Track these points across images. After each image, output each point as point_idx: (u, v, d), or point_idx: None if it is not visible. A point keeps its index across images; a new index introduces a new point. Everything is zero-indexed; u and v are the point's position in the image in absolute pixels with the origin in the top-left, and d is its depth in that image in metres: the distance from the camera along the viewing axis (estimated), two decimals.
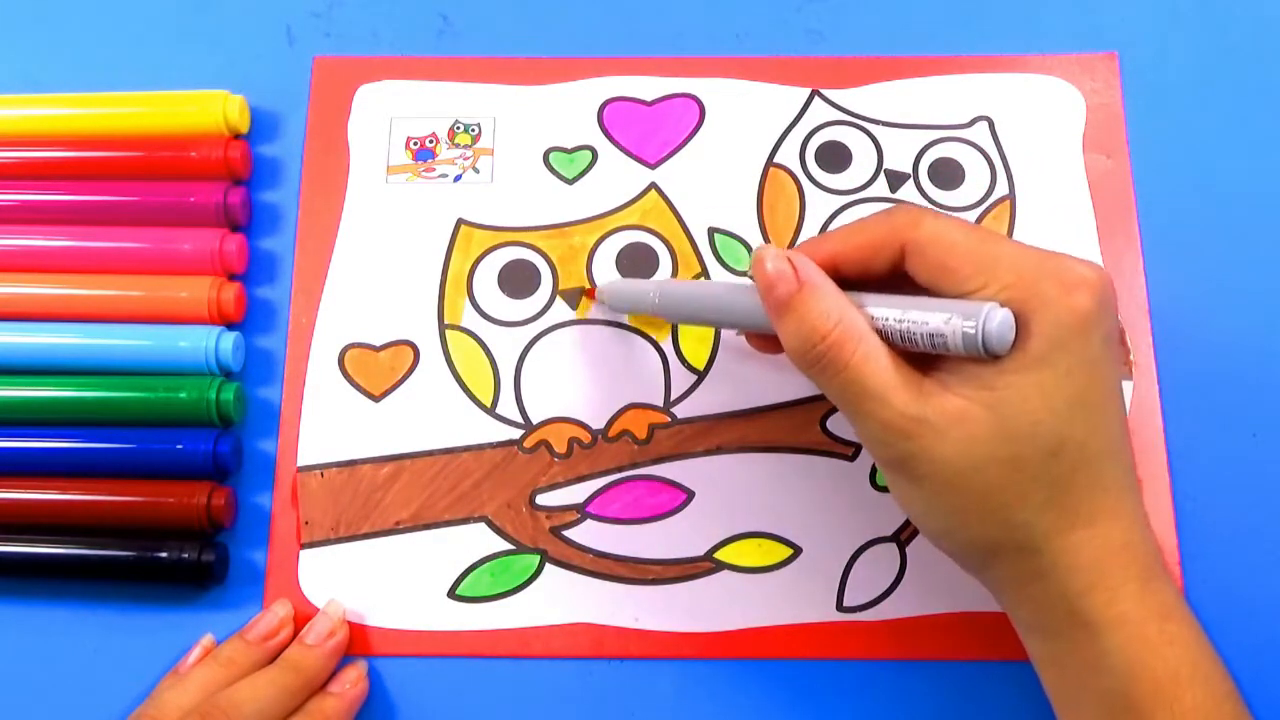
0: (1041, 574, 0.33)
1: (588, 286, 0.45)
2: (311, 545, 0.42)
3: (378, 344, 0.45)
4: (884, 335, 0.33)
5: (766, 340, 0.40)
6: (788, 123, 0.47)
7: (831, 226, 0.46)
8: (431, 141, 0.47)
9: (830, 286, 0.33)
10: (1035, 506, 0.32)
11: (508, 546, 0.42)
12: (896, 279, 0.34)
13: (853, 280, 0.35)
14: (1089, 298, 0.31)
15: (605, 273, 0.45)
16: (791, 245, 0.45)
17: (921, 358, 0.33)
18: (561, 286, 0.45)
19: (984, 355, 0.31)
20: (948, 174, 0.46)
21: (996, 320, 0.31)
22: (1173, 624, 0.33)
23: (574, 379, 0.44)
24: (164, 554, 0.41)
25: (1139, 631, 0.32)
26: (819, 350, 0.33)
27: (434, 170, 0.47)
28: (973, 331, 0.31)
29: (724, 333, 0.44)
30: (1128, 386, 0.43)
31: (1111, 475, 0.33)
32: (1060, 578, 0.32)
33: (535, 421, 0.44)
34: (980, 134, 0.47)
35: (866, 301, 0.33)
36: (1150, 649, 0.32)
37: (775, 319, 0.34)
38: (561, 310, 0.45)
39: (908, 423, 0.32)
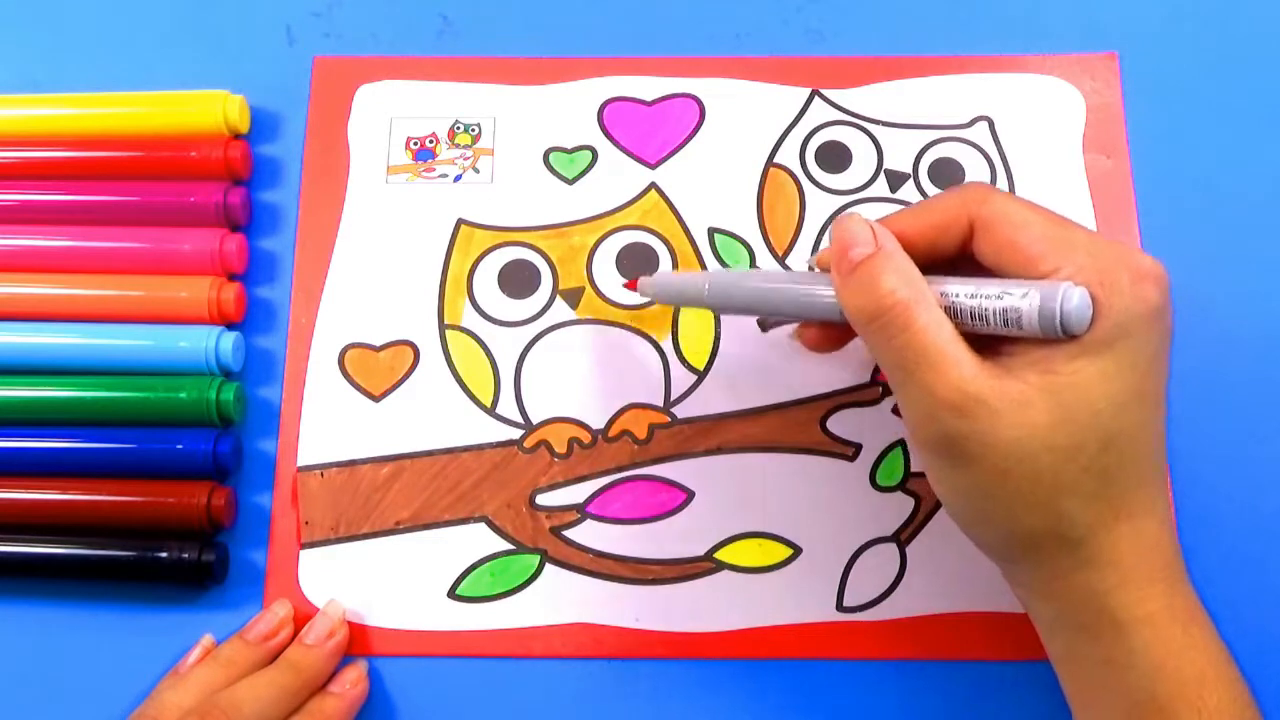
0: (1077, 567, 0.32)
1: (626, 280, 0.44)
2: (311, 545, 0.42)
3: (378, 344, 0.45)
4: (953, 314, 0.32)
5: (819, 333, 0.39)
6: (788, 123, 0.47)
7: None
8: (431, 141, 0.47)
9: (904, 256, 0.33)
10: (1083, 497, 0.31)
11: (508, 546, 0.42)
12: (961, 264, 0.34)
13: (922, 260, 0.34)
14: (1157, 290, 0.31)
15: (605, 273, 0.45)
16: (791, 247, 0.45)
17: (982, 344, 0.32)
18: (562, 286, 0.45)
19: (1060, 334, 0.30)
20: (948, 174, 0.46)
21: (1075, 299, 0.30)
22: (1196, 627, 0.33)
23: (574, 379, 0.44)
24: (164, 554, 0.41)
25: (1165, 633, 0.32)
26: (885, 304, 0.32)
27: (434, 170, 0.47)
28: (1051, 310, 0.30)
29: (762, 333, 0.44)
30: None
31: (1153, 470, 0.33)
32: (1095, 572, 0.32)
33: (535, 421, 0.44)
34: (980, 134, 0.47)
35: (936, 280, 0.33)
36: (1176, 650, 0.32)
37: (842, 280, 0.33)
38: (561, 310, 0.45)
39: (964, 399, 0.31)
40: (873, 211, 0.46)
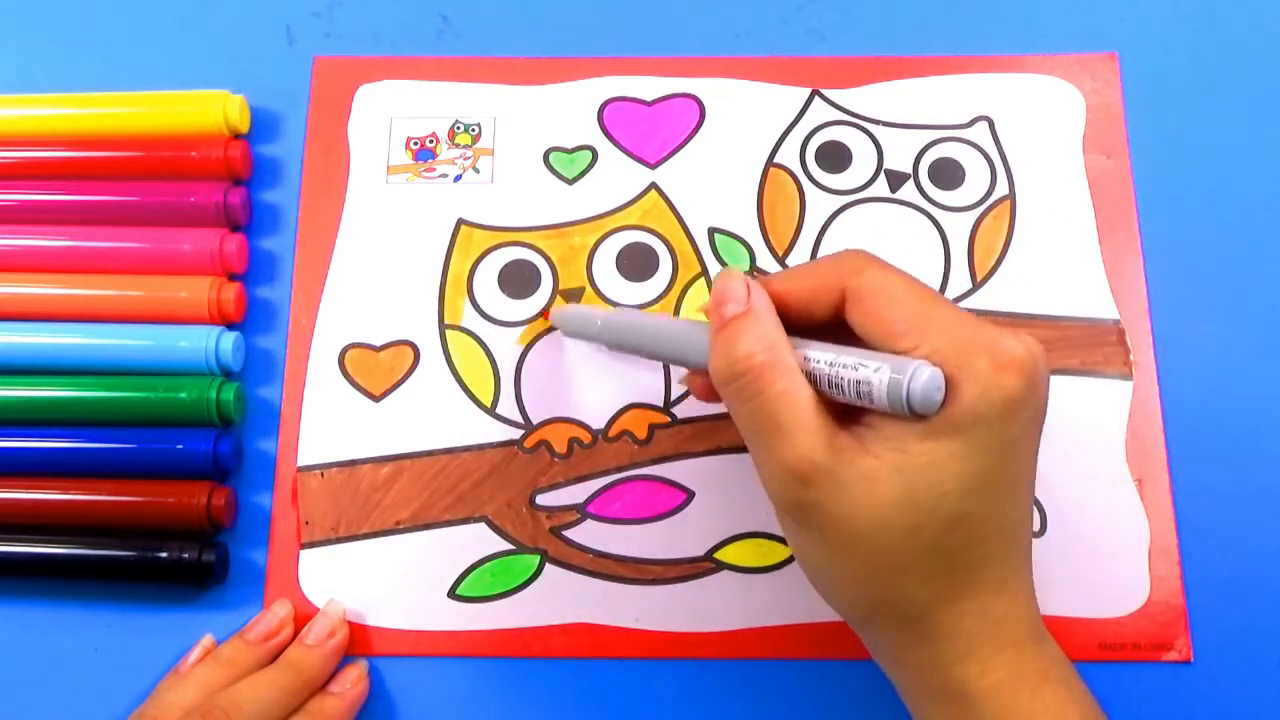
0: (920, 641, 0.33)
1: (545, 310, 0.44)
2: (311, 545, 0.42)
3: (378, 344, 0.45)
4: (814, 379, 0.32)
5: (706, 384, 0.38)
6: (788, 123, 0.47)
7: (832, 227, 0.46)
8: (432, 141, 0.47)
9: (772, 318, 0.33)
10: (924, 576, 0.32)
11: (508, 546, 0.42)
12: (840, 330, 0.34)
13: (797, 324, 0.34)
14: (1019, 380, 0.30)
15: (605, 273, 0.45)
16: (791, 247, 0.45)
17: (845, 414, 0.32)
18: (562, 286, 0.45)
19: (907, 413, 0.30)
20: (948, 174, 0.46)
21: (924, 379, 0.30)
22: (1047, 689, 0.32)
23: (574, 379, 0.44)
24: (164, 554, 0.41)
25: (1011, 700, 0.32)
26: (740, 368, 0.32)
27: (434, 170, 0.47)
28: (899, 387, 0.30)
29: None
30: (1128, 386, 0.43)
31: (1003, 552, 0.32)
32: (937, 646, 0.32)
33: (535, 421, 0.44)
34: (980, 134, 0.47)
35: (802, 344, 0.33)
36: (1023, 715, 0.32)
37: (714, 340, 0.33)
38: None
39: (811, 469, 0.31)
40: (873, 212, 0.46)
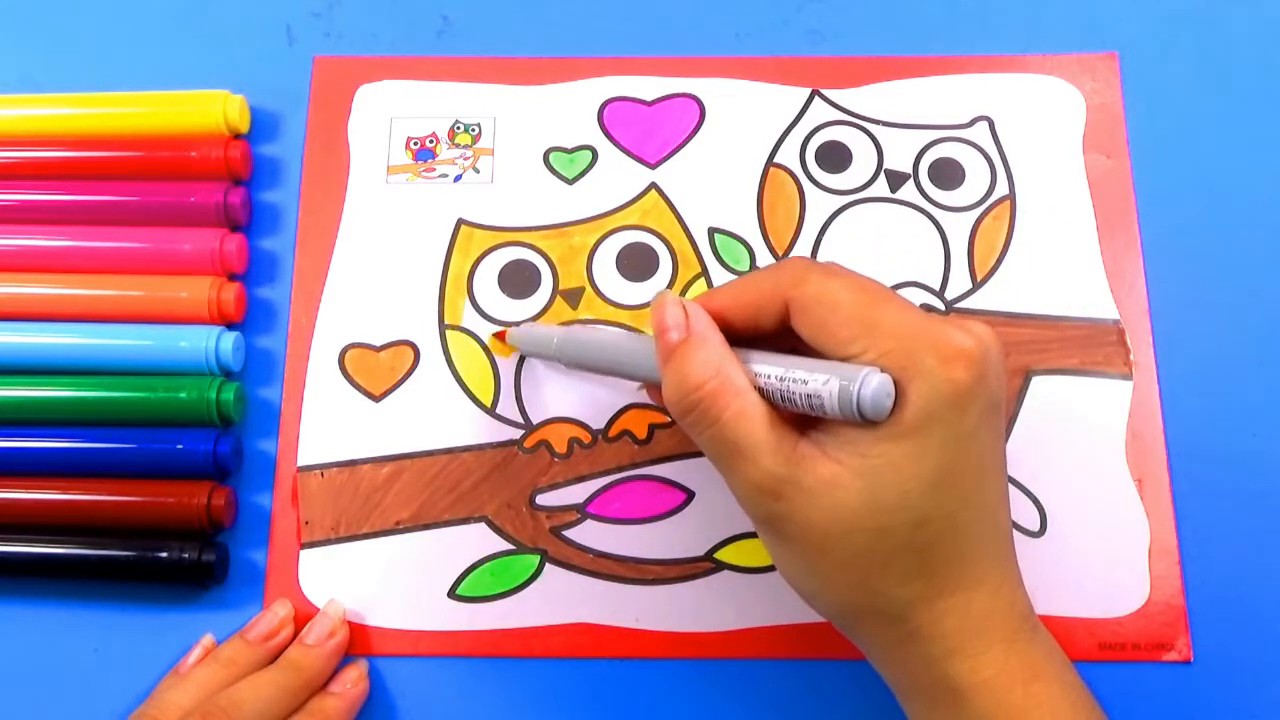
0: (905, 640, 0.33)
1: (497, 331, 0.44)
2: (311, 545, 0.42)
3: (378, 344, 0.45)
4: (765, 394, 0.32)
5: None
6: (788, 123, 0.47)
7: (832, 227, 0.46)
8: (432, 141, 0.47)
9: (716, 339, 0.33)
10: (899, 575, 0.32)
11: (508, 546, 0.42)
12: (790, 335, 0.34)
13: (744, 334, 0.34)
14: (966, 371, 0.30)
15: (605, 273, 0.45)
16: (791, 247, 0.45)
17: (804, 419, 0.33)
18: (562, 286, 0.45)
19: (859, 420, 0.30)
20: (948, 174, 0.46)
21: (872, 386, 0.30)
22: (1039, 684, 0.32)
23: (574, 379, 0.44)
24: (164, 554, 0.41)
25: (1004, 697, 0.32)
26: (693, 400, 0.32)
27: (434, 170, 0.47)
28: (849, 397, 0.30)
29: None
30: (1128, 386, 0.43)
31: (978, 545, 0.32)
32: (924, 644, 0.32)
33: (535, 421, 0.44)
34: (980, 134, 0.47)
35: (751, 359, 0.33)
36: (1015, 712, 0.32)
37: (662, 368, 0.34)
38: (561, 310, 0.45)
39: (776, 483, 0.31)
40: (873, 211, 0.46)
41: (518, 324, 0.44)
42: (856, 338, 0.31)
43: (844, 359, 0.31)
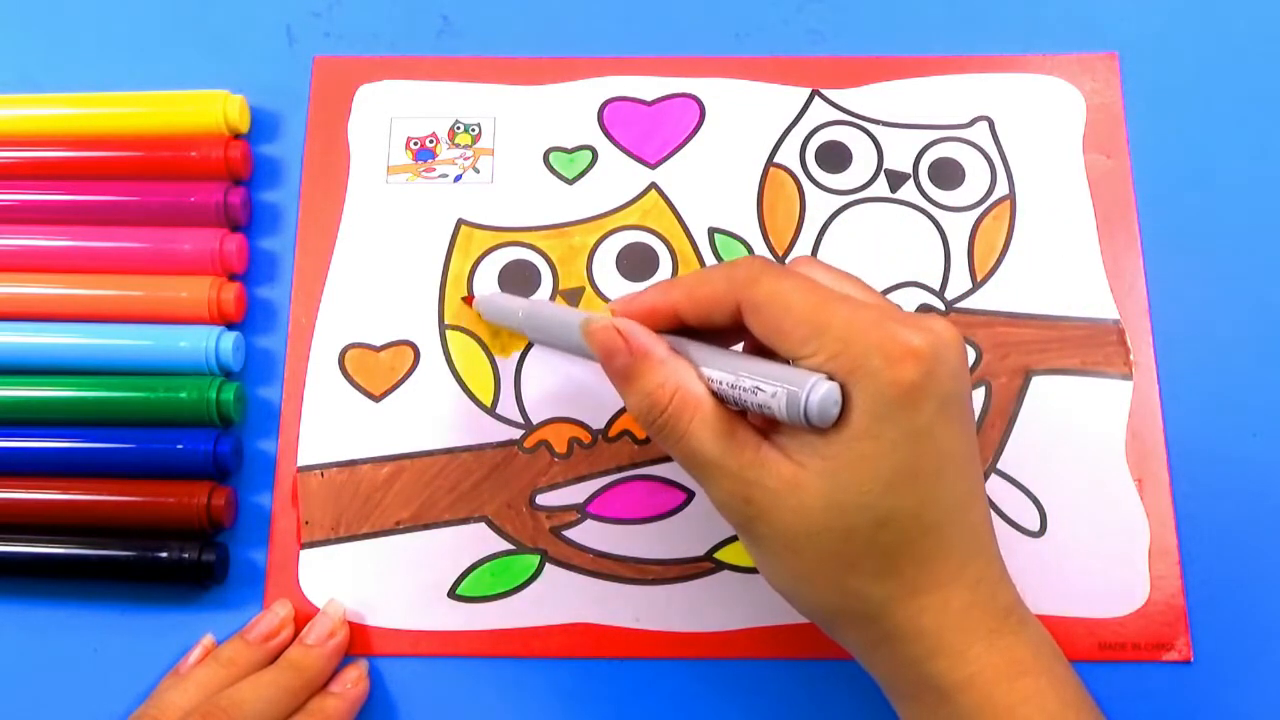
0: (885, 640, 0.33)
1: (465, 295, 0.44)
2: (311, 545, 0.42)
3: (378, 344, 0.45)
4: (720, 397, 0.33)
5: None
6: (788, 123, 0.47)
7: (832, 227, 0.46)
8: (432, 141, 0.47)
9: (662, 352, 0.34)
10: (868, 576, 0.32)
11: (508, 546, 0.42)
12: (744, 328, 0.34)
13: (699, 329, 0.34)
14: (914, 369, 0.30)
15: (605, 273, 0.45)
16: (791, 247, 0.45)
17: (769, 420, 0.33)
18: (562, 286, 0.45)
19: (808, 428, 0.31)
20: (948, 174, 0.46)
21: (819, 395, 0.30)
22: (1026, 679, 0.32)
23: (574, 379, 0.44)
24: (164, 554, 0.41)
25: (989, 693, 0.32)
26: (660, 423, 0.33)
27: (434, 170, 0.47)
28: (796, 405, 0.30)
29: None
30: (1128, 386, 0.43)
31: (950, 542, 0.32)
32: (904, 644, 0.32)
33: (535, 421, 0.44)
34: (980, 134, 0.47)
35: (703, 361, 0.33)
36: (1001, 709, 0.32)
37: (619, 389, 0.34)
38: None
39: (745, 488, 0.32)
40: (873, 211, 0.46)
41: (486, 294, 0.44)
42: (808, 340, 0.31)
43: (796, 359, 0.32)
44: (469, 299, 0.44)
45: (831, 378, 0.31)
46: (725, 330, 0.34)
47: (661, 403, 0.33)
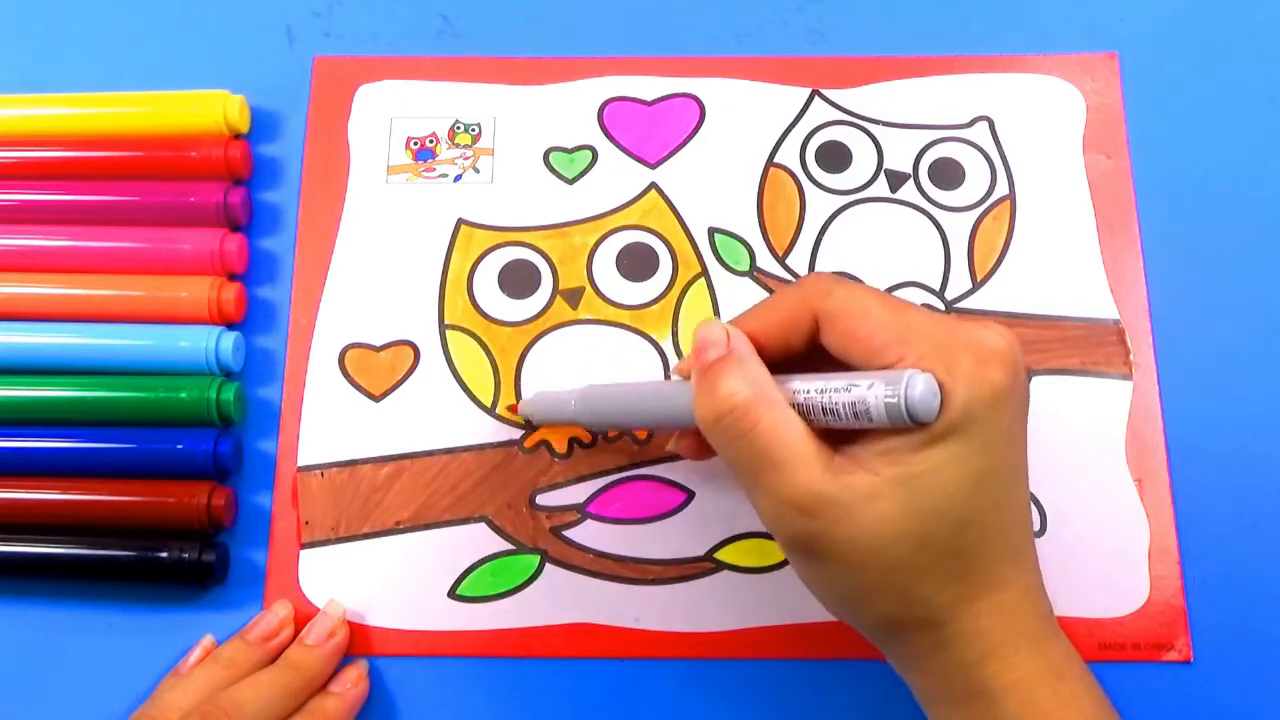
0: (941, 646, 0.32)
1: (512, 403, 0.43)
2: (311, 545, 0.42)
3: (378, 344, 0.45)
4: (806, 411, 0.32)
5: (695, 443, 0.38)
6: (788, 123, 0.47)
7: (832, 227, 0.46)
8: (432, 141, 0.47)
9: (754, 360, 0.33)
10: (939, 581, 0.32)
11: (508, 546, 0.42)
12: (819, 358, 0.34)
13: (773, 360, 0.34)
14: (1002, 371, 0.31)
15: (605, 273, 0.45)
16: (791, 247, 0.45)
17: (837, 438, 0.32)
18: (562, 286, 0.45)
19: (908, 423, 0.30)
20: (948, 174, 0.46)
21: (919, 387, 0.30)
22: (1066, 684, 0.32)
23: (574, 379, 0.44)
24: (164, 554, 0.41)
25: (1033, 696, 0.32)
26: (724, 409, 0.32)
27: (434, 170, 0.47)
28: (896, 399, 0.30)
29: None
30: (1128, 386, 0.43)
31: (1010, 545, 0.33)
32: (959, 648, 0.32)
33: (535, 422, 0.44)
34: (980, 134, 0.47)
35: (788, 379, 0.33)
36: (1047, 711, 0.32)
37: (699, 385, 0.33)
38: (561, 310, 0.45)
39: (812, 499, 0.31)
40: (873, 211, 0.46)
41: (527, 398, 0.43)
42: (890, 344, 0.31)
43: (878, 367, 0.31)
44: (514, 408, 0.43)
45: None
46: (796, 359, 0.34)
47: (735, 392, 0.32)
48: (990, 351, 0.31)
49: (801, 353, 0.34)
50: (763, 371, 0.33)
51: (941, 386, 0.30)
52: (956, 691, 0.33)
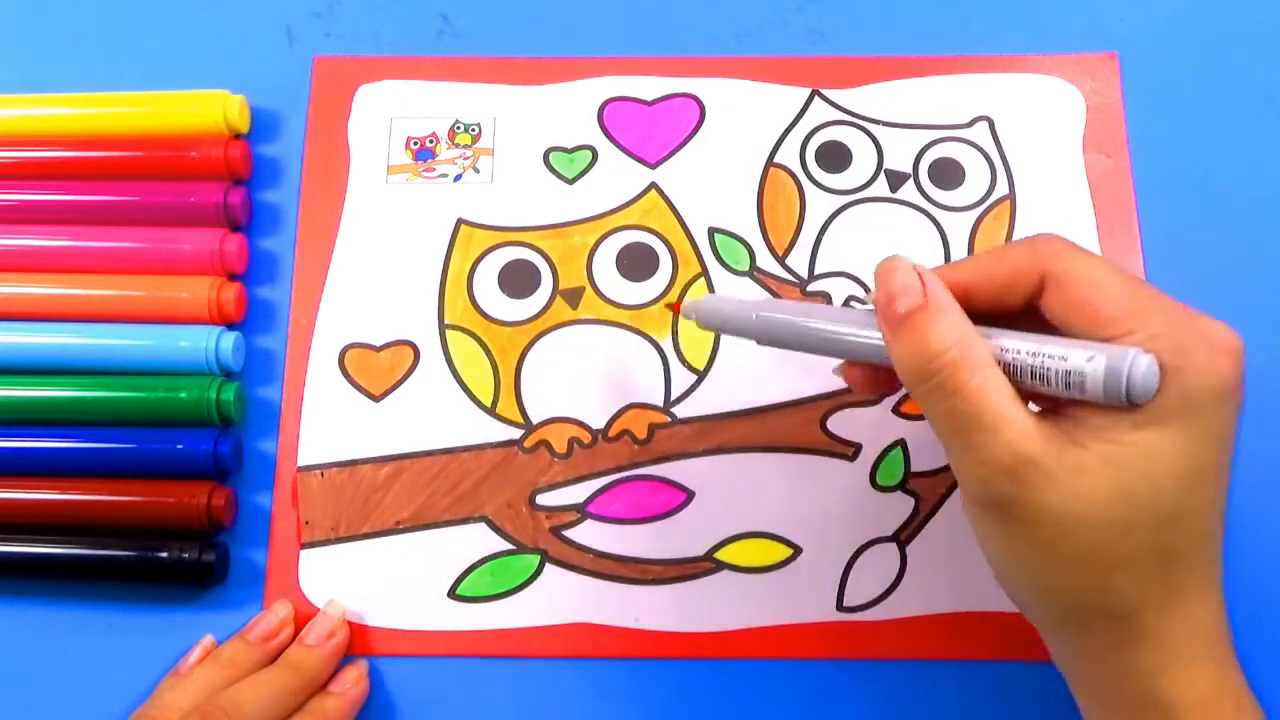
0: (1124, 644, 0.31)
1: (672, 301, 0.43)
2: (311, 545, 0.42)
3: (378, 344, 0.45)
4: (1011, 371, 0.30)
5: (869, 376, 0.36)
6: (788, 122, 0.47)
7: (832, 227, 0.46)
8: (431, 141, 0.47)
9: (956, 310, 0.31)
10: (1137, 574, 0.30)
11: (508, 546, 0.42)
12: (1021, 320, 0.32)
13: (982, 315, 0.32)
14: (1233, 366, 0.30)
15: (605, 273, 0.45)
16: (791, 247, 0.45)
17: (1041, 405, 0.31)
18: (562, 286, 0.45)
19: (1123, 402, 0.29)
20: (948, 174, 0.46)
21: (1144, 366, 0.28)
22: (1245, 715, 0.31)
23: (574, 379, 0.44)
24: (164, 554, 0.41)
25: (1215, 718, 0.31)
26: (934, 367, 0.30)
27: (434, 170, 0.47)
28: (1117, 375, 0.28)
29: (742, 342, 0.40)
30: None
31: (1211, 552, 0.31)
32: (1143, 652, 0.31)
33: (535, 421, 0.44)
34: (980, 134, 0.47)
35: (995, 335, 0.31)
36: None
37: (890, 335, 0.32)
38: (561, 310, 0.45)
39: (1017, 462, 0.29)
40: (873, 211, 0.46)
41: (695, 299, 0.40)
42: (1121, 318, 0.30)
43: (1102, 340, 0.30)
44: (676, 306, 0.42)
45: None
46: (1008, 316, 0.32)
47: (942, 348, 0.30)
48: (1226, 345, 0.30)
49: (1015, 312, 0.32)
50: (968, 325, 0.31)
51: (1169, 370, 0.29)
52: (1129, 698, 0.31)
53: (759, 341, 0.37)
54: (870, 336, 0.33)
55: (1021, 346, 0.30)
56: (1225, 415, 0.30)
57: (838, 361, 0.37)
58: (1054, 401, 0.31)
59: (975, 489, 0.31)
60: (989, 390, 0.30)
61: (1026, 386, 0.31)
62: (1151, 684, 0.31)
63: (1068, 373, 0.29)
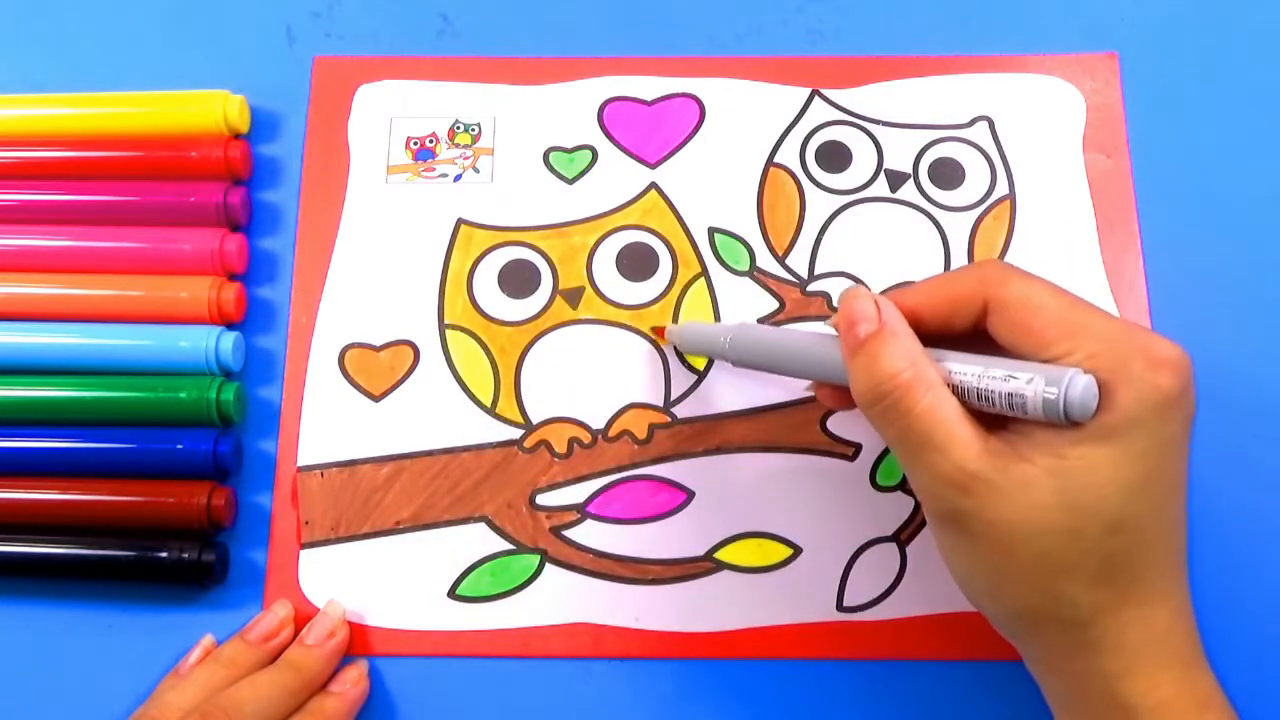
0: (1082, 650, 0.32)
1: (656, 326, 0.44)
2: (311, 545, 0.42)
3: (378, 344, 0.45)
4: (959, 392, 0.32)
5: (837, 394, 0.38)
6: (788, 122, 0.47)
7: (832, 227, 0.46)
8: (431, 141, 0.47)
9: (909, 335, 0.33)
10: (1086, 581, 0.31)
11: (508, 546, 0.42)
12: (975, 340, 0.33)
13: (932, 336, 0.34)
14: (1174, 379, 0.30)
15: (605, 272, 0.45)
16: (791, 247, 0.45)
17: (992, 419, 0.32)
18: (562, 286, 0.45)
19: (1063, 421, 0.30)
20: (948, 174, 0.46)
21: (1080, 387, 0.30)
22: (1210, 714, 0.32)
23: (574, 379, 0.44)
24: (164, 554, 0.41)
25: None
26: (886, 389, 0.32)
27: (434, 170, 0.47)
28: (1054, 396, 0.30)
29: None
30: None
31: (1164, 559, 0.32)
32: (1102, 656, 0.32)
33: (535, 421, 0.44)
34: (980, 134, 0.47)
35: (944, 357, 0.33)
36: None
37: (848, 358, 0.33)
38: (561, 310, 0.45)
39: (967, 478, 0.31)
40: (873, 211, 0.46)
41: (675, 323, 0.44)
42: (1061, 339, 0.31)
43: (1045, 361, 0.31)
44: (659, 331, 0.44)
45: None
46: (957, 341, 0.34)
47: (894, 372, 0.32)
48: (1163, 359, 0.31)
49: (962, 334, 0.34)
50: (918, 348, 0.33)
51: (1108, 387, 0.30)
52: (1094, 702, 0.32)
53: (734, 364, 0.40)
54: (832, 359, 0.35)
55: (968, 369, 0.32)
56: (1169, 425, 0.31)
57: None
58: (1002, 418, 0.32)
59: (931, 504, 0.33)
60: (939, 410, 0.31)
61: (973, 406, 0.32)
62: (1113, 688, 0.32)
63: (1010, 394, 0.31)
